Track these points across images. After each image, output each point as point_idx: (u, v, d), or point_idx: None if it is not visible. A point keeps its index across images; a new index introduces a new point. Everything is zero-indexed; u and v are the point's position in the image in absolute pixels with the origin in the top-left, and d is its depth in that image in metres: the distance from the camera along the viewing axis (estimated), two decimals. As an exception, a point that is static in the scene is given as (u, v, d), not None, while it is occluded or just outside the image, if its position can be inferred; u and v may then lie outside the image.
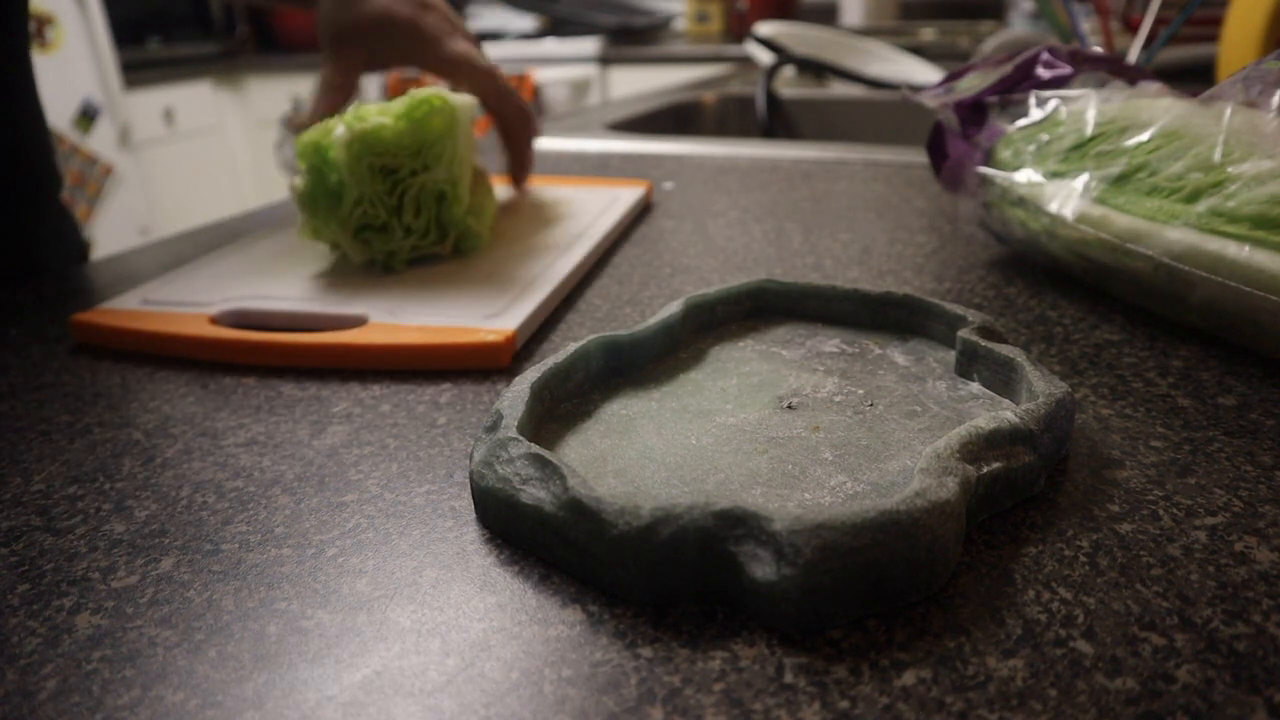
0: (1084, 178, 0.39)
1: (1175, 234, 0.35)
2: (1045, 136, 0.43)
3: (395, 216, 0.45)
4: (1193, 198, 0.35)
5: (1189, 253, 0.34)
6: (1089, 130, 0.41)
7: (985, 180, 0.45)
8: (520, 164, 0.59)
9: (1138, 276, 0.38)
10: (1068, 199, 0.39)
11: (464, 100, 0.47)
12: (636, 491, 0.26)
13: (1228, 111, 0.36)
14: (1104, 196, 0.38)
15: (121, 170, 2.44)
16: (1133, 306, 0.41)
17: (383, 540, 0.26)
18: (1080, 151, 0.40)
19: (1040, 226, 0.42)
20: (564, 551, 0.23)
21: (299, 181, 0.46)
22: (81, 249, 0.65)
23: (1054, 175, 0.41)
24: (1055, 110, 0.43)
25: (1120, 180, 0.38)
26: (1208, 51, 1.10)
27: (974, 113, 0.47)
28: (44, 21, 2.22)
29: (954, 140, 0.48)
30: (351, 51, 0.53)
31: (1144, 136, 0.38)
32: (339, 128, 0.44)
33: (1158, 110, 0.39)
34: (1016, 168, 0.43)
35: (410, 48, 0.53)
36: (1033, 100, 0.45)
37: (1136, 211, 0.37)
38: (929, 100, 0.50)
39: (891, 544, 0.21)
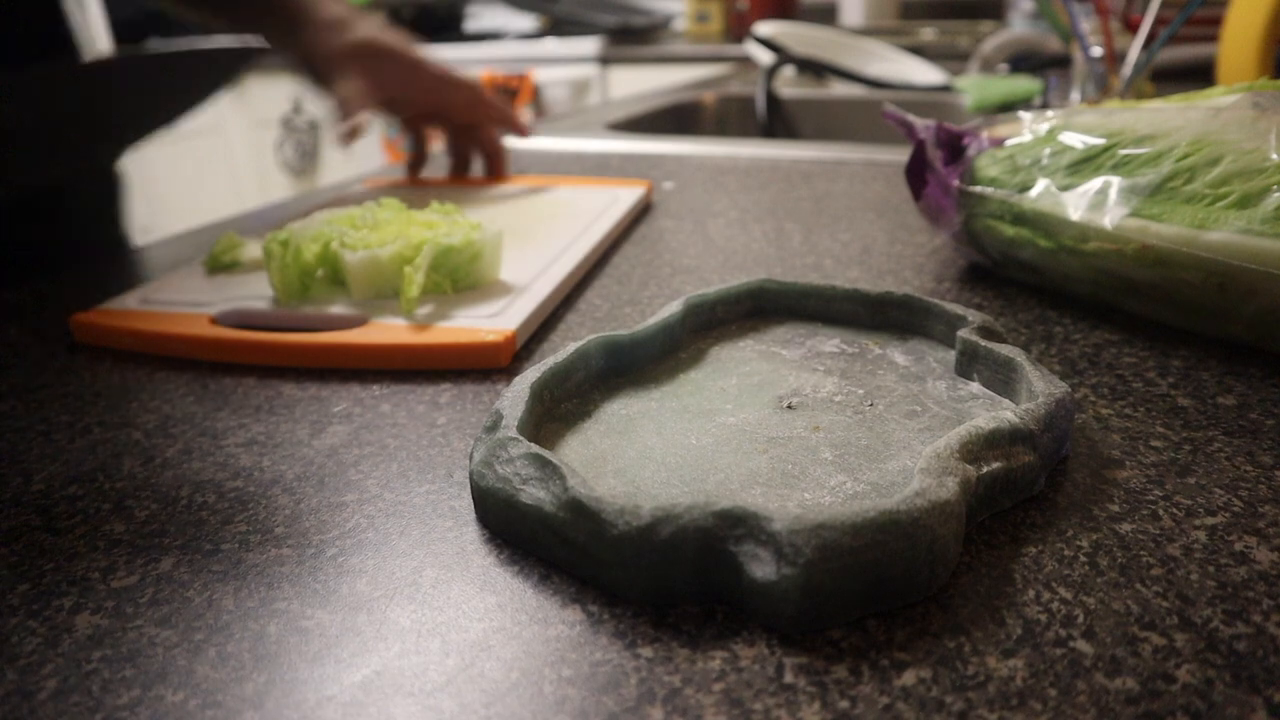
0: (1113, 187, 0.38)
1: (1230, 238, 0.33)
2: (1047, 150, 0.41)
3: None
4: (1244, 203, 0.34)
5: (1254, 254, 0.33)
6: (1094, 143, 0.39)
7: (978, 200, 0.43)
8: (497, 169, 0.66)
9: (1177, 290, 0.36)
10: (1098, 208, 0.38)
11: (494, 242, 0.43)
12: (636, 491, 0.26)
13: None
14: (1136, 207, 0.37)
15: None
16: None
17: (383, 540, 0.26)
18: (1093, 164, 0.39)
19: (1054, 244, 0.40)
20: (564, 551, 0.23)
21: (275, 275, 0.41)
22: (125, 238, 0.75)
23: (1065, 189, 0.40)
24: (1049, 129, 0.42)
25: (1152, 189, 0.36)
26: (1208, 51, 1.10)
27: (953, 152, 0.45)
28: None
29: (933, 175, 0.46)
30: (355, 69, 0.55)
31: (1167, 144, 0.37)
32: (347, 254, 0.40)
33: (1163, 117, 0.38)
34: (1014, 185, 0.42)
35: (399, 71, 0.56)
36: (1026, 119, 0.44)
37: (1177, 220, 0.35)
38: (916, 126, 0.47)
39: (891, 544, 0.21)
